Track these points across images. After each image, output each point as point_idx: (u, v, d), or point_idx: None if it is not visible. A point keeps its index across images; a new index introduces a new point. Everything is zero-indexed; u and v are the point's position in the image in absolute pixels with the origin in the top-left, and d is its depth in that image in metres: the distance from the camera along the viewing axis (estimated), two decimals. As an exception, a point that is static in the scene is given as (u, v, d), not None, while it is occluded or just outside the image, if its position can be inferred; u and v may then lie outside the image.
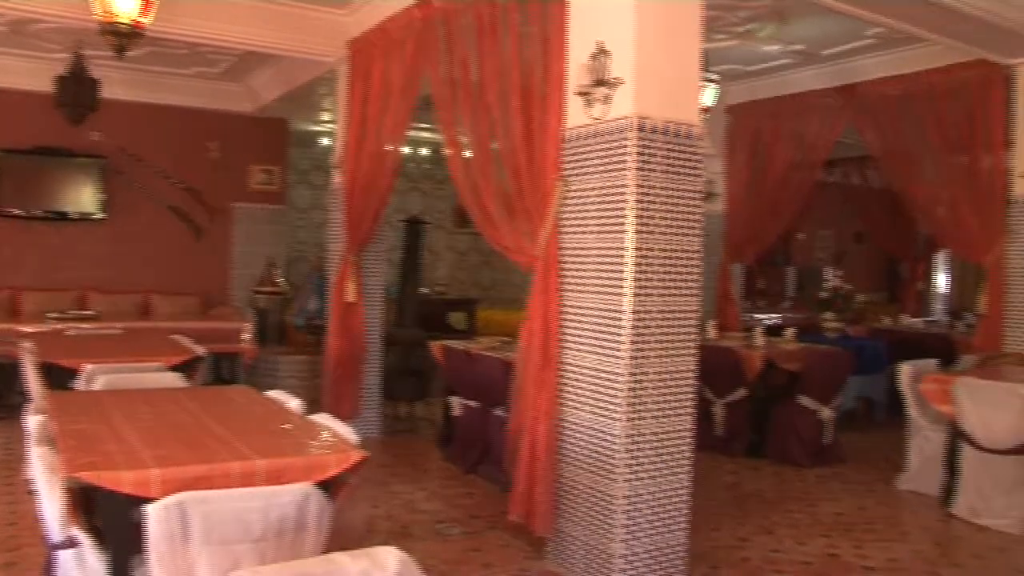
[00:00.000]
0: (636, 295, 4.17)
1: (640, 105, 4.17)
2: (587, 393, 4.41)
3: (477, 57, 5.17)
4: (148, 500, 2.65)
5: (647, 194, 4.18)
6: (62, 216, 9.83)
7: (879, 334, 9.64)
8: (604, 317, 4.30)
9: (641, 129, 4.15)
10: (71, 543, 2.85)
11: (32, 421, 3.39)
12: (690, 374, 4.42)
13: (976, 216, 7.27)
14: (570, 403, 4.54)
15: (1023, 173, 6.88)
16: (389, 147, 6.79)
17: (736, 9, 6.78)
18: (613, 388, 4.23)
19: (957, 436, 5.81)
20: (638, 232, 4.15)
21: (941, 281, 14.38)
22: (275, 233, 11.24)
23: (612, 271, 4.25)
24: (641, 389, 4.21)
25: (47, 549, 3.02)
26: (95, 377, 4.71)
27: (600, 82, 4.30)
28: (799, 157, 9.13)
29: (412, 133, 11.43)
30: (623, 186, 4.17)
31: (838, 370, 7.42)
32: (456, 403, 6.86)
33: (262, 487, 2.85)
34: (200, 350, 6.02)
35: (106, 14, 5.52)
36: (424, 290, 11.91)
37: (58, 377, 5.05)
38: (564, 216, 4.57)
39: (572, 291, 4.55)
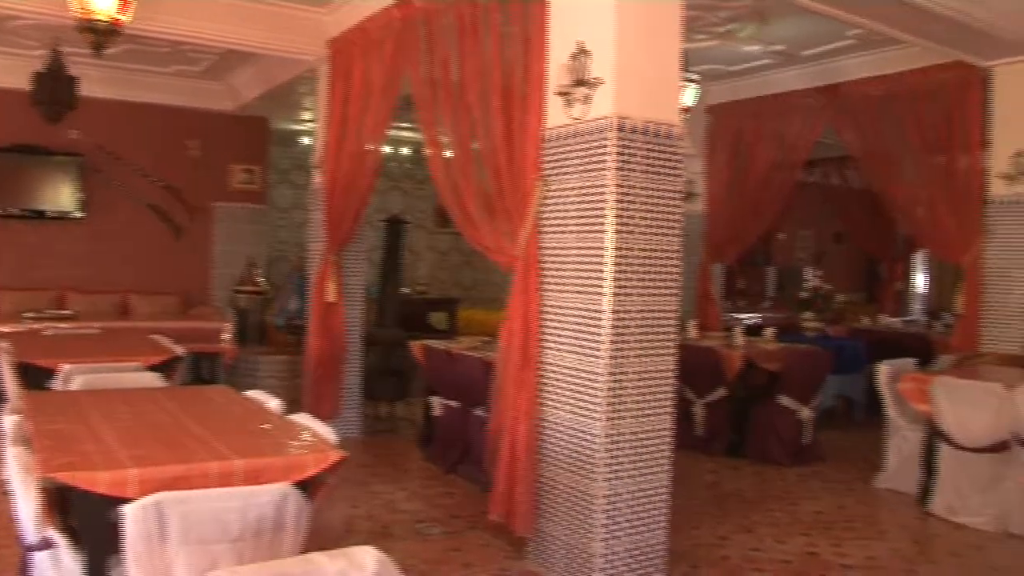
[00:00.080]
0: (616, 295, 4.17)
1: (620, 105, 4.17)
2: (567, 393, 4.42)
3: (458, 57, 5.17)
4: (125, 500, 2.64)
5: (627, 194, 4.18)
6: (40, 215, 9.74)
7: (858, 334, 9.70)
8: (584, 317, 4.31)
9: (621, 129, 4.16)
10: (47, 544, 2.83)
11: (8, 421, 3.37)
12: (669, 374, 4.43)
13: (954, 216, 7.32)
14: (550, 403, 4.54)
15: (1000, 174, 6.94)
16: (370, 147, 6.78)
17: (717, 9, 6.81)
18: (593, 388, 4.23)
19: (934, 435, 5.85)
20: (618, 232, 4.16)
21: (920, 281, 14.47)
22: (256, 233, 11.19)
23: (592, 271, 4.25)
24: (621, 389, 4.22)
25: (22, 550, 3.00)
26: (72, 377, 4.67)
27: (580, 82, 4.30)
28: (779, 157, 9.16)
29: (393, 133, 11.41)
30: (603, 186, 4.18)
31: (817, 370, 7.45)
32: (436, 403, 6.85)
33: (240, 487, 2.84)
34: (179, 350, 5.99)
35: (84, 11, 5.49)
36: (405, 290, 11.90)
37: (35, 377, 5.01)
38: (544, 216, 4.57)
39: (552, 291, 4.55)
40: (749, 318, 10.43)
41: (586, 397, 4.28)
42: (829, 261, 14.62)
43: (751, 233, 9.71)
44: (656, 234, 4.31)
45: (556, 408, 4.50)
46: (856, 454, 7.43)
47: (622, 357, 4.22)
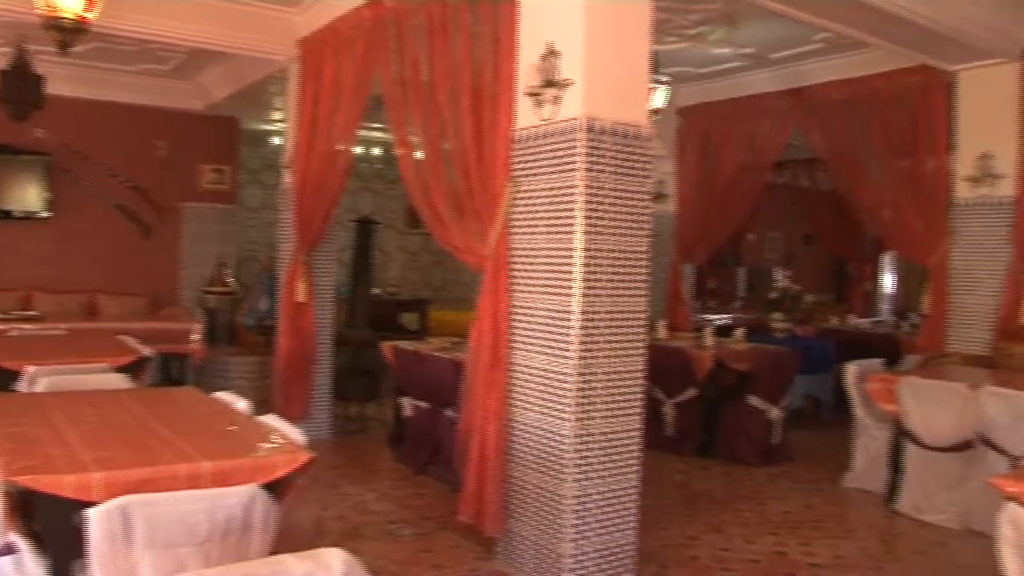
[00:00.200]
0: (585, 295, 4.19)
1: (589, 106, 4.19)
2: (536, 393, 4.42)
3: (428, 57, 5.16)
4: (90, 504, 2.61)
5: (596, 195, 4.20)
6: (6, 215, 9.60)
7: (827, 334, 9.79)
8: (553, 317, 4.32)
9: (590, 130, 4.17)
10: (9, 549, 2.80)
11: (-30, 424, 3.32)
12: (639, 374, 4.45)
13: (920, 218, 7.40)
14: (519, 403, 4.55)
15: (965, 176, 7.03)
16: (340, 147, 6.75)
17: (687, 12, 6.85)
18: (562, 388, 4.24)
19: (901, 435, 5.92)
20: (587, 232, 4.17)
21: (888, 282, 14.62)
22: (225, 233, 11.10)
23: (561, 271, 4.26)
24: (590, 389, 4.23)
25: (-16, 555, 2.96)
26: (38, 379, 4.61)
27: (550, 83, 4.31)
28: (749, 159, 9.22)
29: (364, 133, 11.38)
30: (572, 187, 4.19)
31: (786, 370, 7.52)
32: (407, 404, 6.83)
33: (208, 489, 2.82)
34: (147, 351, 5.93)
35: (50, 9, 5.42)
36: (376, 290, 11.87)
37: (-1, 379, 4.95)
38: (514, 216, 4.58)
39: (521, 291, 4.56)
40: (719, 319, 10.48)
41: (555, 397, 4.29)
42: (799, 262, 14.74)
43: (721, 234, 9.77)
44: (625, 235, 4.32)
45: (525, 408, 4.50)
46: (824, 454, 7.49)
47: (591, 357, 4.23)
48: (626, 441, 4.40)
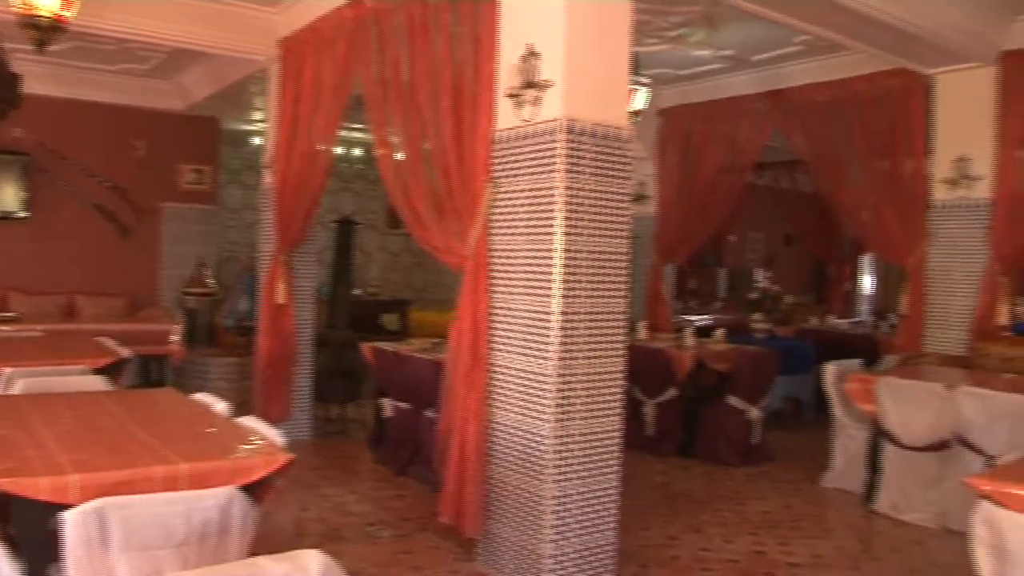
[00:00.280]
0: (564, 297, 4.19)
1: (569, 107, 4.19)
2: (516, 394, 4.43)
3: (409, 57, 5.15)
4: (67, 507, 2.59)
5: (576, 196, 4.21)
6: (-17, 215, 9.55)
7: (806, 334, 9.84)
8: (533, 318, 4.32)
9: (570, 131, 4.18)
10: (-17, 553, 2.77)
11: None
12: (618, 375, 4.46)
13: (899, 220, 7.46)
14: (499, 404, 4.55)
15: (943, 179, 7.08)
16: (321, 147, 6.73)
17: (667, 14, 6.87)
18: (542, 389, 4.25)
19: (879, 434, 5.95)
20: (567, 234, 4.18)
21: (867, 283, 14.73)
22: (205, 233, 11.04)
23: (541, 272, 4.27)
24: (570, 390, 4.24)
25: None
26: (14, 381, 4.57)
27: (530, 84, 4.31)
28: (729, 160, 9.25)
29: (345, 133, 11.36)
30: (552, 188, 4.20)
31: (766, 370, 7.55)
32: (387, 404, 6.82)
33: (185, 491, 2.81)
34: (125, 352, 5.88)
35: (26, 7, 5.37)
36: (357, 291, 11.84)
37: (-26, 381, 4.90)
38: (494, 217, 4.58)
39: (501, 292, 4.56)
40: (700, 319, 10.52)
41: (535, 398, 4.29)
42: (779, 263, 14.82)
43: (702, 235, 9.80)
44: (605, 236, 4.33)
45: (505, 409, 4.50)
46: (804, 454, 7.53)
47: (571, 359, 4.24)
48: (606, 441, 4.41)
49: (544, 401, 4.23)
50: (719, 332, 8.10)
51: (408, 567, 4.70)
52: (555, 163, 4.18)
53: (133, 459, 2.96)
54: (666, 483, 6.70)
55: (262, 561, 2.03)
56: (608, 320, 4.38)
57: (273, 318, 7.25)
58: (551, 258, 4.20)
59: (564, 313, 4.20)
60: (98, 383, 4.79)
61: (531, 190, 4.34)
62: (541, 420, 4.24)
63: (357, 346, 7.46)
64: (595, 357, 4.32)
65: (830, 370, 6.62)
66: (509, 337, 4.49)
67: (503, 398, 4.52)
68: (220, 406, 3.93)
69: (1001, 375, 6.10)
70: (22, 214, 9.68)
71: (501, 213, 4.55)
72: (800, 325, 10.41)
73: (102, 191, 10.08)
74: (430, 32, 4.95)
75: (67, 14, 5.51)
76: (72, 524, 2.53)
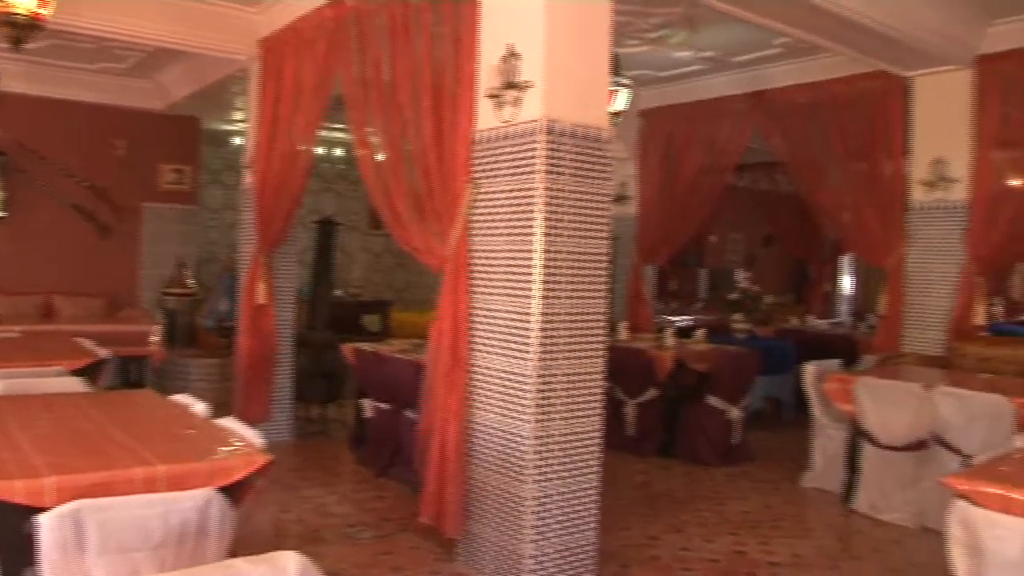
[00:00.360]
0: (544, 298, 4.20)
1: (549, 108, 4.20)
2: (496, 394, 4.43)
3: (389, 57, 5.13)
4: (43, 510, 2.57)
5: (555, 197, 4.21)
6: (-40, 215, 9.47)
7: (786, 335, 9.88)
8: (513, 319, 4.32)
9: (550, 132, 4.18)
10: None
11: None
12: (598, 376, 4.47)
13: (878, 221, 7.51)
14: (479, 404, 4.55)
15: (921, 180, 7.13)
16: (301, 147, 6.71)
17: (648, 15, 6.89)
18: (522, 389, 4.25)
19: (858, 434, 5.98)
20: (547, 235, 4.18)
21: (846, 283, 14.82)
22: (186, 233, 10.99)
23: (521, 273, 4.27)
24: (550, 391, 4.25)
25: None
26: (-10, 382, 4.54)
27: (510, 84, 4.32)
28: (710, 161, 9.28)
29: (326, 134, 11.33)
30: (532, 189, 4.20)
31: (746, 370, 7.58)
32: (368, 405, 6.80)
33: (162, 493, 2.79)
34: (104, 353, 5.84)
35: (2, 4, 5.32)
36: (338, 292, 11.81)
37: (-50, 383, 4.85)
38: (474, 218, 4.58)
39: (481, 293, 4.56)
40: (681, 320, 10.55)
41: (515, 399, 4.29)
42: (759, 263, 14.89)
43: (682, 235, 9.82)
44: (585, 237, 4.34)
45: (485, 410, 4.50)
46: (784, 454, 7.56)
47: (551, 359, 4.24)
48: (586, 442, 4.42)
49: (524, 401, 4.23)
50: (700, 332, 8.12)
51: (388, 568, 4.69)
52: (535, 164, 4.19)
53: (110, 461, 2.94)
54: (647, 483, 6.72)
55: (240, 563, 2.01)
56: (588, 320, 4.39)
57: (253, 319, 7.22)
58: (531, 259, 4.20)
59: (544, 313, 4.20)
60: (76, 384, 4.75)
61: (511, 191, 4.34)
62: (521, 420, 4.25)
63: (338, 347, 7.44)
64: (575, 357, 4.33)
65: (809, 370, 6.64)
66: (489, 337, 4.49)
67: (483, 399, 4.52)
68: (199, 407, 3.91)
69: (978, 375, 6.16)
70: (0, 214, 9.60)
71: (481, 214, 4.54)
72: (780, 325, 10.45)
73: (80, 191, 10.01)
74: (411, 32, 4.94)
75: (44, 12, 5.47)
76: (47, 527, 2.51)
